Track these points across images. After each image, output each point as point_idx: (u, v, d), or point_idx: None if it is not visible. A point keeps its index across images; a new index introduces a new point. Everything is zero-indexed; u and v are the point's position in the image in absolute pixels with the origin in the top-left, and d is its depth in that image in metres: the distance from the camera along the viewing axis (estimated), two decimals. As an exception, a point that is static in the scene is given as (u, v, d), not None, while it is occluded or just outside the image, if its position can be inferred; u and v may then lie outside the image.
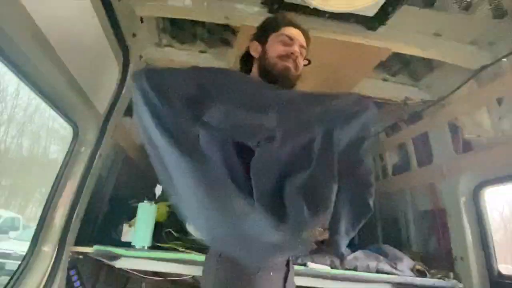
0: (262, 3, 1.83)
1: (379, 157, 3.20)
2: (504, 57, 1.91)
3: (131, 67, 2.08)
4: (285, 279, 1.41)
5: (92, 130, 1.99)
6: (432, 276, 2.20)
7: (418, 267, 2.26)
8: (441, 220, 2.43)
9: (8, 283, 1.75)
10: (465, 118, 2.22)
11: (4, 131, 20.27)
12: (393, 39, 1.94)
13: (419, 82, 2.48)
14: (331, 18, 1.84)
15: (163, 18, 2.10)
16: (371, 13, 1.78)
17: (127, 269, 2.08)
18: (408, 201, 2.86)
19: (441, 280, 2.17)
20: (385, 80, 2.50)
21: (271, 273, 1.37)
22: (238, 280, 1.34)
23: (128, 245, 2.11)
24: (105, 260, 2.02)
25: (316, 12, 1.78)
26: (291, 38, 1.48)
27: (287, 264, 1.45)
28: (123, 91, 2.09)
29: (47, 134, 22.39)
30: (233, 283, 1.33)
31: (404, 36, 1.94)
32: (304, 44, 1.52)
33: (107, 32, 1.73)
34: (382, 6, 1.72)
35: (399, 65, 2.38)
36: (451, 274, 2.21)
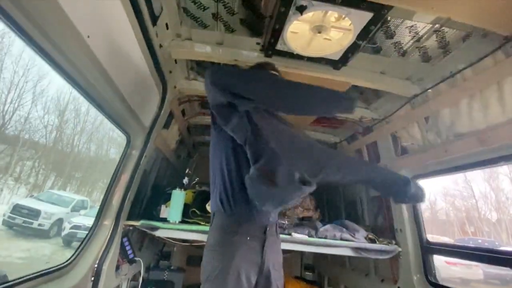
0: (260, 50, 1.85)
1: (342, 158, 3.21)
2: (429, 88, 1.93)
3: (168, 94, 2.09)
4: (263, 244, 1.42)
5: (140, 138, 2.00)
6: (380, 243, 2.20)
7: (370, 236, 2.26)
8: (386, 203, 2.44)
9: (79, 247, 1.75)
10: (403, 131, 2.23)
11: (78, 139, 20.43)
12: (352, 76, 1.95)
13: (370, 106, 2.48)
14: (308, 60, 1.85)
15: (191, 60, 2.12)
16: (336, 57, 1.79)
17: (164, 237, 2.07)
18: (363, 189, 2.86)
19: (386, 245, 2.17)
20: (346, 104, 2.51)
21: (248, 238, 1.38)
22: (223, 241, 1.37)
23: (164, 220, 2.10)
24: (148, 231, 2.01)
25: (298, 56, 1.81)
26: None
27: (264, 233, 1.44)
28: (162, 111, 2.09)
29: (108, 141, 22.52)
30: (220, 243, 1.37)
31: (360, 73, 1.95)
32: None
33: (151, 69, 1.74)
34: (344, 53, 1.74)
35: (356, 93, 2.39)
36: (393, 241, 2.22)
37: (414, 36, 1.66)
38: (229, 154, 1.43)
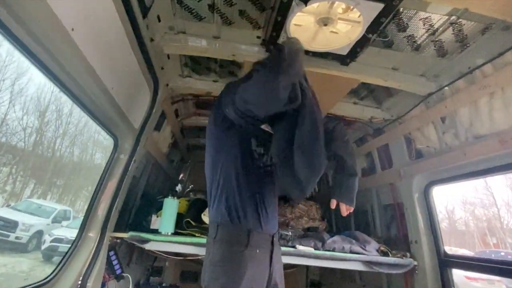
0: (261, 44, 1.85)
1: (351, 163, 3.21)
2: (445, 86, 1.94)
3: (160, 93, 2.09)
4: (271, 255, 1.45)
5: (129, 141, 1.99)
6: (393, 256, 2.19)
7: (382, 248, 2.25)
8: (400, 211, 2.43)
9: (61, 262, 1.74)
10: (417, 133, 2.23)
11: (60, 142, 20.37)
12: (361, 72, 1.96)
13: (381, 105, 2.49)
14: (314, 56, 1.86)
15: (185, 55, 2.12)
16: (344, 52, 1.80)
17: (155, 250, 2.06)
18: (374, 197, 2.85)
19: (400, 258, 2.16)
20: (355, 103, 2.52)
21: (257, 250, 1.40)
22: (232, 256, 1.37)
23: (155, 231, 2.09)
24: (137, 244, 1.99)
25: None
26: None
27: (272, 243, 1.47)
28: (153, 111, 2.09)
29: (93, 144, 22.49)
30: (228, 258, 1.37)
31: (370, 70, 1.96)
32: None
33: (141, 65, 1.74)
34: (353, 47, 1.74)
35: (366, 92, 2.40)
36: (408, 254, 2.20)
37: (428, 29, 1.67)
38: (236, 157, 1.45)
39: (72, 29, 1.09)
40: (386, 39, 1.75)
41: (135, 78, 1.78)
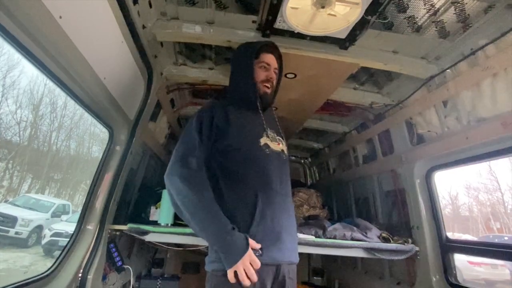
0: (257, 29, 1.82)
1: (352, 149, 3.22)
2: (447, 68, 1.93)
3: (154, 82, 2.08)
4: None
5: (124, 132, 1.99)
6: (395, 242, 2.21)
7: (384, 235, 2.27)
8: (401, 197, 2.45)
9: (60, 255, 1.76)
10: (418, 117, 2.23)
11: (56, 136, 20.37)
12: (361, 56, 1.93)
13: (382, 90, 2.48)
14: (311, 40, 1.83)
15: (179, 43, 2.08)
16: (343, 35, 1.77)
17: (155, 242, 2.08)
18: (375, 184, 2.87)
19: (401, 244, 2.18)
20: (355, 88, 2.50)
21: None
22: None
23: (155, 223, 2.12)
24: (136, 235, 2.01)
25: (300, 36, 1.79)
26: (268, 64, 1.65)
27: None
28: (148, 101, 2.09)
29: (89, 137, 22.50)
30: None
31: (369, 53, 1.93)
32: (277, 65, 1.70)
33: (134, 54, 1.72)
34: (351, 30, 1.72)
35: (366, 76, 2.37)
36: (410, 240, 2.23)
37: (429, 9, 1.64)
38: None
39: (60, 17, 1.07)
40: (386, 21, 1.73)
41: (128, 67, 1.76)
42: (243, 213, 1.36)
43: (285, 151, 1.64)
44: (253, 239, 1.29)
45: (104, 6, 1.31)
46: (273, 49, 1.69)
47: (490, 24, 1.62)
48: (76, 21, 1.18)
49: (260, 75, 1.63)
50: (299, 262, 1.53)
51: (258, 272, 1.25)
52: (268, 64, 1.65)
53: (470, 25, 1.68)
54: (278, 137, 1.64)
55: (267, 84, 1.63)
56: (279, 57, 1.74)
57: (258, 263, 1.24)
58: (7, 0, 0.93)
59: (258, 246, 1.29)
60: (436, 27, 1.75)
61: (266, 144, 1.52)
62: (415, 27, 1.77)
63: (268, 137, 1.55)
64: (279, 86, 1.76)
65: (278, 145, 1.59)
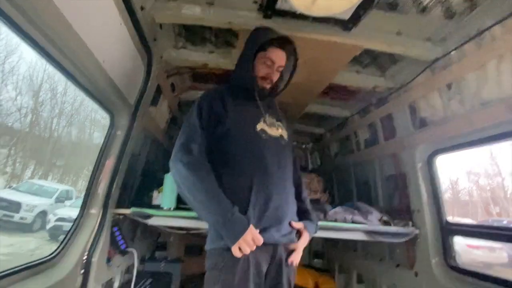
0: (258, 9, 1.78)
1: (354, 134, 3.20)
2: (452, 50, 1.89)
3: (154, 65, 2.06)
4: None
5: (125, 117, 1.98)
6: (395, 225, 2.24)
7: (384, 218, 2.29)
8: (402, 182, 2.45)
9: (65, 237, 1.78)
10: (422, 101, 2.21)
11: (56, 122, 20.39)
12: (364, 38, 1.90)
13: (385, 73, 2.44)
14: (314, 21, 1.80)
15: (178, 25, 2.05)
16: (346, 16, 1.74)
17: (158, 225, 2.10)
18: (376, 168, 2.87)
19: (402, 228, 2.21)
20: (358, 72, 2.46)
21: None
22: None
23: (157, 207, 2.13)
24: (140, 219, 2.03)
25: (302, 17, 1.75)
26: (272, 61, 1.60)
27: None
28: (148, 85, 2.07)
29: (90, 123, 22.51)
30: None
31: (373, 35, 1.89)
32: (283, 63, 1.63)
33: (133, 37, 1.69)
34: (355, 11, 1.68)
35: (369, 59, 2.34)
36: (410, 223, 2.25)
37: (436, -12, 1.60)
38: None
39: None
40: (391, 1, 1.69)
41: (127, 50, 1.73)
42: (240, 197, 1.40)
43: (285, 136, 1.63)
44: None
45: None
46: (285, 44, 1.61)
47: (497, 3, 1.58)
48: (73, 2, 1.16)
49: (261, 70, 1.61)
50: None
51: (255, 251, 1.31)
52: (272, 61, 1.59)
53: (477, 4, 1.64)
54: (277, 122, 1.64)
55: (266, 81, 1.62)
56: (292, 53, 1.66)
57: (260, 239, 1.30)
58: None
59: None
60: (442, 7, 1.70)
61: (262, 130, 1.53)
62: (421, 7, 1.73)
63: (265, 122, 1.57)
64: (290, 81, 1.71)
65: (277, 130, 1.60)
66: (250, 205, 1.38)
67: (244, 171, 1.45)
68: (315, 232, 1.65)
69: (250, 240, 1.28)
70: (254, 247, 1.30)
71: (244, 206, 1.38)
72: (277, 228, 1.43)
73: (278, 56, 1.60)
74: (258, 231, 1.33)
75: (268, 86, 1.64)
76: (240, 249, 1.28)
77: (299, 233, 1.56)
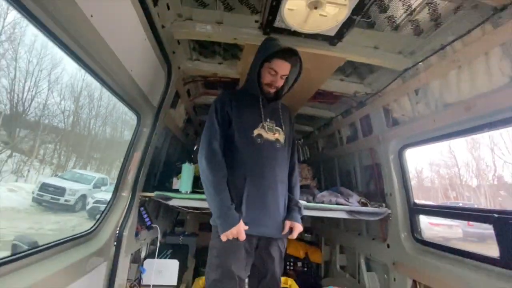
0: (259, 28, 1.76)
1: (337, 131, 3.19)
2: (420, 62, 1.86)
3: (173, 75, 2.04)
4: None
5: (149, 117, 1.97)
6: (371, 206, 2.23)
7: (363, 200, 2.29)
8: (377, 170, 2.44)
9: (101, 215, 1.79)
10: (394, 104, 2.19)
11: (94, 123, 20.46)
12: (347, 51, 1.88)
13: (364, 81, 2.42)
14: (305, 37, 1.77)
15: (193, 40, 2.03)
16: (332, 33, 1.71)
17: (177, 206, 2.11)
18: (356, 159, 2.86)
19: (377, 208, 2.21)
20: (341, 80, 2.44)
21: None
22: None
23: (176, 191, 2.13)
24: (162, 201, 2.03)
25: (296, 33, 1.72)
26: (276, 72, 1.52)
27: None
28: (168, 91, 2.05)
29: (122, 123, 22.57)
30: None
31: (354, 49, 1.87)
32: (287, 72, 1.55)
33: (156, 50, 1.68)
34: (339, 28, 1.66)
35: (351, 69, 2.32)
36: (384, 204, 2.25)
37: (407, 9, 1.57)
38: None
39: (91, 16, 1.03)
40: (369, 20, 1.67)
41: (151, 61, 1.72)
42: (235, 194, 1.43)
43: (281, 140, 1.56)
44: (242, 215, 1.39)
45: (129, 7, 1.26)
46: (288, 55, 1.50)
47: (458, 22, 1.55)
48: (105, 20, 1.14)
49: (266, 78, 1.54)
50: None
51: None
52: (275, 71, 1.51)
53: (441, 23, 1.62)
54: (277, 127, 1.57)
55: (270, 87, 1.55)
56: (296, 63, 1.53)
57: (242, 237, 1.34)
58: (48, 3, 0.89)
59: (245, 227, 1.37)
60: (412, 26, 1.68)
61: (259, 135, 1.49)
62: (394, 26, 1.71)
63: (263, 128, 1.52)
64: (292, 86, 1.61)
65: (274, 135, 1.54)
66: (243, 202, 1.41)
67: (240, 171, 1.45)
68: (302, 216, 1.60)
69: (235, 234, 1.33)
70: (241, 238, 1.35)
71: (239, 202, 1.41)
72: (262, 224, 1.42)
73: (281, 67, 1.51)
74: (245, 224, 1.37)
75: (272, 91, 1.57)
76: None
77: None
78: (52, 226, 8.52)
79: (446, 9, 1.53)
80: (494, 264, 1.46)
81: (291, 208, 1.56)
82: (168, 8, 1.59)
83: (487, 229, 1.51)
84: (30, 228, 8.08)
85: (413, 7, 1.54)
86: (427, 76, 1.81)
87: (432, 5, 1.51)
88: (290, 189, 1.62)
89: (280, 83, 1.56)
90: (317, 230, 3.82)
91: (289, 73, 1.57)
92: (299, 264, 3.36)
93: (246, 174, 1.44)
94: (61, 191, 10.01)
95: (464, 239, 10.05)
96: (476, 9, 1.44)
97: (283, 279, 2.56)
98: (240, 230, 1.33)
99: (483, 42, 1.44)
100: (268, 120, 1.55)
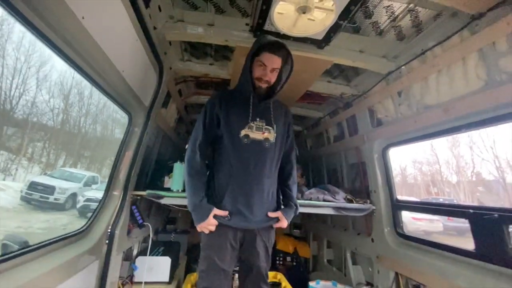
0: (249, 30, 1.77)
1: (325, 131, 3.24)
2: (402, 65, 1.92)
3: (164, 75, 2.02)
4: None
5: (141, 116, 1.95)
6: (357, 203, 2.28)
7: (348, 197, 2.33)
8: (363, 168, 2.50)
9: (93, 214, 1.77)
10: (378, 105, 2.24)
11: (84, 121, 19.96)
12: (334, 55, 1.90)
13: (350, 83, 2.47)
14: (294, 40, 1.78)
15: (185, 42, 2.02)
16: (319, 37, 1.74)
17: (168, 204, 2.10)
18: (342, 158, 2.91)
19: (362, 204, 2.26)
20: (329, 82, 2.48)
21: None
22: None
23: (168, 189, 2.12)
24: (154, 199, 2.02)
25: (285, 36, 1.74)
26: (264, 65, 1.49)
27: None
28: (160, 91, 2.03)
29: (112, 122, 22.09)
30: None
31: (341, 52, 1.90)
32: (276, 65, 1.51)
33: (147, 51, 1.66)
34: (327, 33, 1.68)
35: (337, 71, 2.36)
36: (368, 201, 2.30)
37: (390, 16, 1.61)
38: None
39: (83, 17, 1.02)
40: (355, 25, 1.70)
41: (143, 62, 1.70)
42: (220, 190, 1.49)
43: (271, 139, 1.52)
44: (224, 209, 1.45)
45: (120, 9, 1.25)
46: (277, 49, 1.45)
47: (438, 29, 1.61)
48: (97, 22, 1.12)
49: (256, 72, 1.50)
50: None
51: (226, 231, 1.46)
52: (264, 64, 1.47)
53: (422, 30, 1.67)
54: (267, 126, 1.53)
55: (261, 81, 1.50)
56: (286, 57, 1.51)
57: (212, 228, 1.44)
58: (39, 4, 0.87)
59: (225, 213, 1.44)
60: (395, 31, 1.73)
61: (246, 135, 1.48)
62: (378, 31, 1.75)
63: (250, 128, 1.49)
64: (286, 82, 1.56)
65: (262, 134, 1.50)
66: (226, 197, 1.46)
67: (226, 169, 1.49)
68: (295, 214, 1.60)
69: (206, 226, 1.43)
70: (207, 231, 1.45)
71: (222, 197, 1.47)
72: (244, 217, 1.45)
73: (269, 60, 1.46)
74: (226, 213, 1.44)
75: (264, 86, 1.51)
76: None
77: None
78: (41, 225, 8.27)
79: (427, 16, 1.58)
80: (470, 256, 1.53)
81: (289, 204, 1.61)
82: (160, 10, 1.58)
83: (466, 223, 1.58)
84: (18, 227, 7.82)
85: (396, 13, 1.59)
86: (409, 79, 1.87)
87: (413, 12, 1.56)
88: (288, 187, 1.64)
89: (270, 77, 1.50)
90: (305, 226, 3.88)
91: (282, 70, 1.55)
92: (288, 258, 3.40)
93: (231, 173, 1.47)
94: (50, 189, 9.72)
95: (444, 233, 10.40)
96: (455, 16, 1.50)
97: (272, 273, 2.59)
98: (209, 223, 1.42)
99: (461, 48, 1.50)
100: (257, 119, 1.52)
